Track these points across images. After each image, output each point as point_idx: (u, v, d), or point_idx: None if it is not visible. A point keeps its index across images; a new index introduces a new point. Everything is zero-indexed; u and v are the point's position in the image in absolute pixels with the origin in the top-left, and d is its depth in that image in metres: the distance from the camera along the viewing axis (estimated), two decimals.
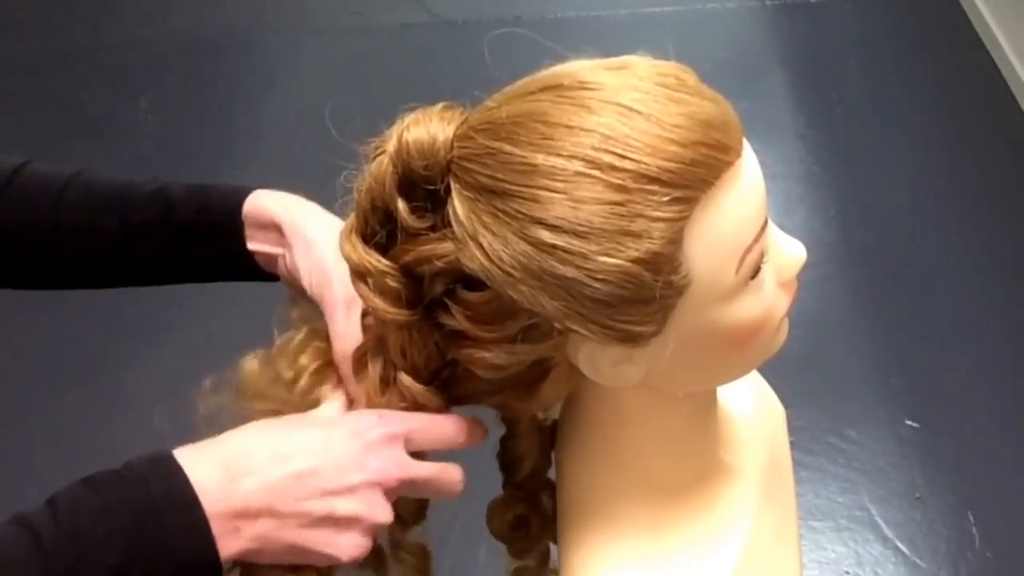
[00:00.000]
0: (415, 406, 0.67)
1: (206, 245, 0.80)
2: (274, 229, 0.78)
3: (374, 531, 0.64)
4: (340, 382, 0.71)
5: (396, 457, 0.64)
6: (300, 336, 0.74)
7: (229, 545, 0.60)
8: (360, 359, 0.69)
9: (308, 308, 0.76)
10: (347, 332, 0.71)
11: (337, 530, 0.62)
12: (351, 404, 0.70)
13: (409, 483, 0.65)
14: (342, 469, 0.62)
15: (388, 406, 0.67)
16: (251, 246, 0.80)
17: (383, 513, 0.64)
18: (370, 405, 0.68)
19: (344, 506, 0.62)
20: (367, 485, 0.63)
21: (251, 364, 0.73)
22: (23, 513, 0.58)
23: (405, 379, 0.66)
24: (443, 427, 0.67)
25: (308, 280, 0.75)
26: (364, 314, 0.70)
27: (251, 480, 0.60)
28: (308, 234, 0.76)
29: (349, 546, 0.63)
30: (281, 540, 0.61)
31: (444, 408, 0.68)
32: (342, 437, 0.64)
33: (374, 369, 0.67)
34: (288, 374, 0.72)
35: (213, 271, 0.83)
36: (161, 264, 0.82)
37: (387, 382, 0.67)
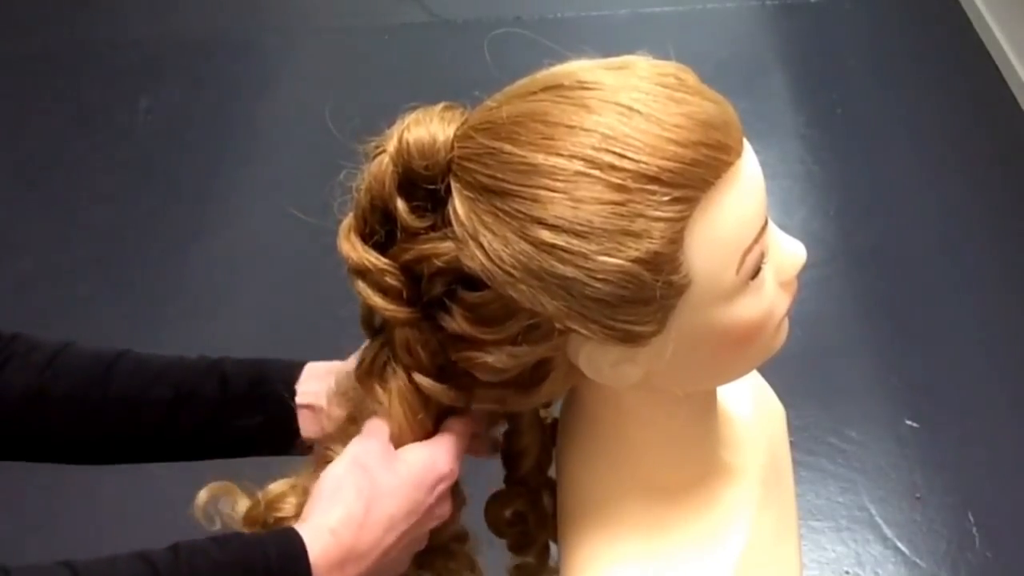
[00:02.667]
0: (435, 406, 0.68)
1: (258, 414, 0.81)
2: (320, 412, 0.79)
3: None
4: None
5: (449, 501, 0.70)
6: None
7: None
8: (368, 373, 0.69)
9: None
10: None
11: (393, 568, 0.69)
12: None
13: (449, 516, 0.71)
14: (416, 533, 0.69)
15: (411, 413, 0.68)
16: (301, 422, 0.80)
17: (422, 544, 0.71)
18: (394, 417, 0.68)
19: (403, 555, 0.69)
20: (427, 531, 0.70)
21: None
22: (148, 551, 0.62)
23: (423, 380, 0.66)
24: (464, 433, 0.71)
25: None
26: None
27: (357, 566, 0.65)
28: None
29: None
30: None
31: (465, 402, 0.68)
32: (425, 493, 0.68)
33: (393, 382, 0.67)
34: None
35: (257, 442, 0.82)
36: (207, 432, 0.81)
37: (402, 391, 0.68)
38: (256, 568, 0.61)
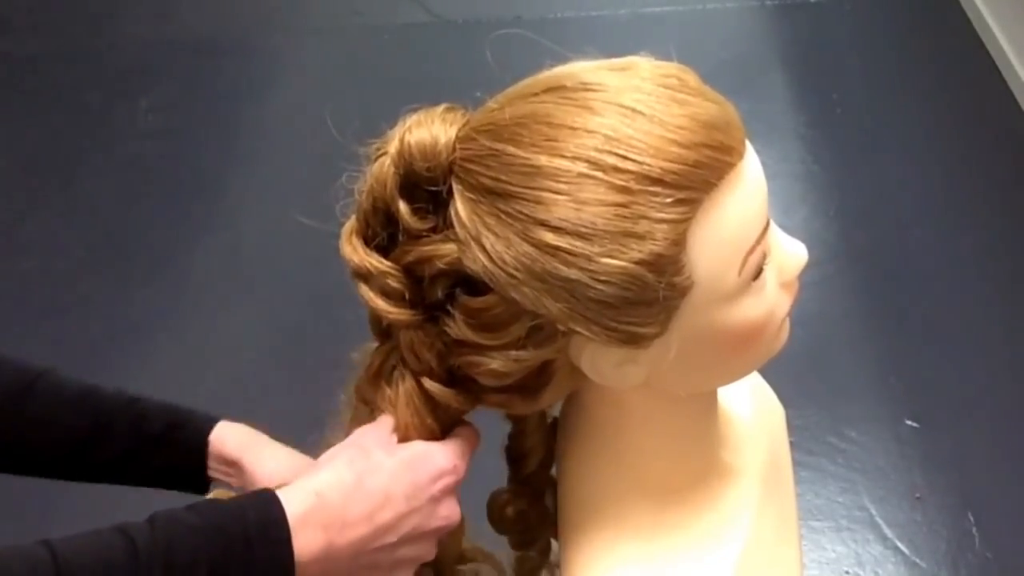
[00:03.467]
0: (443, 412, 0.68)
1: (171, 457, 0.87)
2: (233, 465, 0.85)
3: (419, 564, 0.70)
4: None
5: (455, 503, 0.69)
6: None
7: None
8: (377, 376, 0.69)
9: None
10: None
11: (394, 569, 0.68)
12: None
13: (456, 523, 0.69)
14: (417, 523, 0.66)
15: (418, 417, 0.67)
16: (211, 473, 0.87)
17: (430, 553, 0.69)
18: (401, 420, 0.68)
19: (407, 552, 0.67)
20: (433, 532, 0.68)
21: None
22: (126, 523, 0.61)
23: (432, 385, 0.65)
24: (472, 438, 0.71)
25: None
26: None
27: (344, 534, 0.63)
28: (263, 472, 0.82)
29: None
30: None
31: (472, 405, 0.68)
32: (424, 479, 0.66)
33: (401, 386, 0.67)
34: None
35: (167, 481, 0.88)
36: (120, 465, 0.87)
37: (409, 395, 0.67)
38: (233, 529, 0.60)
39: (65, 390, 0.85)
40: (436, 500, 0.67)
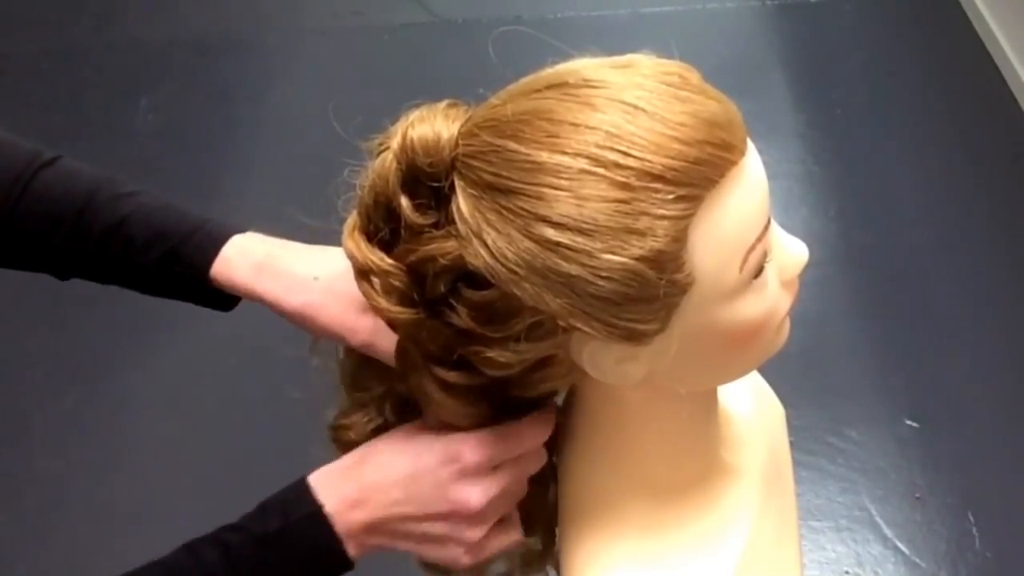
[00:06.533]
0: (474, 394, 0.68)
1: (173, 291, 0.82)
2: (251, 296, 0.79)
3: (476, 548, 0.70)
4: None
5: (480, 486, 0.68)
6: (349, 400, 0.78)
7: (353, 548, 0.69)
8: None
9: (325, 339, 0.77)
10: (366, 332, 0.74)
11: (439, 545, 0.70)
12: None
13: (494, 503, 0.69)
14: (425, 502, 0.68)
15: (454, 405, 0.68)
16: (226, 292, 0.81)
17: (473, 534, 0.69)
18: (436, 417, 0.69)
19: (434, 529, 0.69)
20: (449, 514, 0.68)
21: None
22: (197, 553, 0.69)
23: (439, 371, 0.65)
24: (523, 432, 0.70)
25: (320, 338, 0.78)
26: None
27: (363, 511, 0.68)
28: (291, 306, 0.77)
29: (452, 558, 0.70)
30: (403, 545, 0.71)
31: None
32: (430, 467, 0.68)
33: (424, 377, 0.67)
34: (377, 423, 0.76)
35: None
36: (125, 282, 0.83)
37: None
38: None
39: (59, 196, 0.80)
40: (447, 484, 0.68)
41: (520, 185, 0.55)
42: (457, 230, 0.58)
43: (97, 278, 0.83)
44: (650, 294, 0.56)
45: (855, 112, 2.85)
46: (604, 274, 0.55)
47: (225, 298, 0.81)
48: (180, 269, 0.79)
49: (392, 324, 0.65)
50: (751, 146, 0.58)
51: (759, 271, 0.59)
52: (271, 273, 0.77)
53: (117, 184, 0.82)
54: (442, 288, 0.61)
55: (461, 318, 0.61)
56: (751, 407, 0.79)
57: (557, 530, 0.74)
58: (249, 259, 0.78)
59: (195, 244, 0.79)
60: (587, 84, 0.57)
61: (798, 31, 3.15)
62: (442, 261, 0.59)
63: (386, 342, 0.70)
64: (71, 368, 2.27)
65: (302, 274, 0.77)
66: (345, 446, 0.75)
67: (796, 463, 0.83)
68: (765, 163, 0.59)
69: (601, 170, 0.54)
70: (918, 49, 3.08)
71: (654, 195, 0.54)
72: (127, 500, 1.90)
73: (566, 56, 0.61)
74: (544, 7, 3.19)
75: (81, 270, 0.82)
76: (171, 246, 0.79)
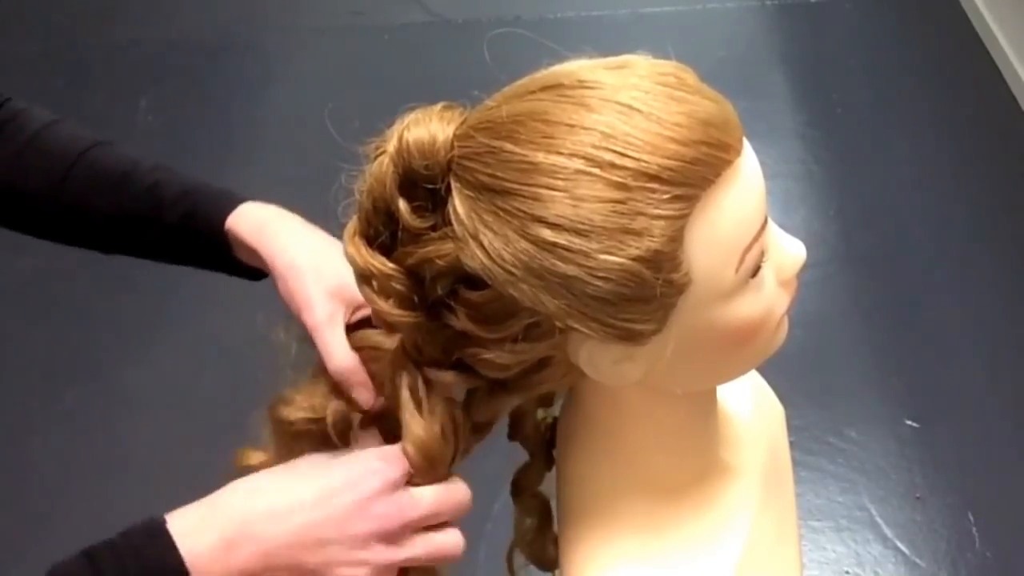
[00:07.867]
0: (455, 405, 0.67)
1: (194, 251, 0.87)
2: (253, 253, 0.82)
3: (384, 573, 0.65)
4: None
5: (398, 501, 0.65)
6: (304, 383, 0.75)
7: None
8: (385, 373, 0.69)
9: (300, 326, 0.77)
10: (335, 350, 0.73)
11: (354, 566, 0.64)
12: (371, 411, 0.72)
13: (417, 521, 0.66)
14: (341, 522, 0.64)
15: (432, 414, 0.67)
16: (239, 257, 0.85)
17: (388, 557, 0.65)
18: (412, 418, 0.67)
19: (343, 555, 0.64)
20: (370, 535, 0.64)
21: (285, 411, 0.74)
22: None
23: (434, 374, 0.65)
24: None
25: (290, 306, 0.79)
26: (348, 329, 0.72)
27: (248, 547, 0.62)
28: (280, 263, 0.79)
29: None
30: None
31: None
32: (340, 487, 0.65)
33: (407, 379, 0.67)
34: (312, 415, 0.73)
35: (205, 265, 0.89)
36: (149, 250, 0.91)
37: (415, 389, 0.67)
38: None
39: (100, 174, 0.89)
40: (365, 502, 0.64)
41: (516, 186, 0.55)
42: (454, 232, 0.58)
43: (132, 245, 0.91)
44: (647, 294, 0.56)
45: (855, 112, 2.85)
46: (601, 274, 0.55)
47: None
48: (197, 226, 0.85)
49: (393, 327, 0.65)
50: (747, 146, 0.58)
51: (756, 271, 0.59)
52: (273, 230, 0.82)
53: (160, 162, 0.91)
54: (440, 290, 0.61)
55: (460, 320, 0.61)
56: (751, 407, 0.79)
57: (556, 529, 0.74)
58: (258, 215, 0.84)
59: (213, 199, 0.86)
60: (582, 85, 0.57)
61: (798, 31, 3.16)
62: (440, 263, 0.59)
63: (330, 341, 0.72)
64: (71, 368, 2.27)
65: (301, 239, 0.80)
66: (277, 423, 0.74)
67: (796, 463, 0.83)
68: (764, 163, 0.59)
69: (597, 170, 0.54)
70: (918, 49, 3.08)
71: (650, 195, 0.54)
72: (127, 500, 1.90)
73: (563, 58, 0.61)
74: (544, 7, 3.19)
75: (117, 236, 0.90)
76: (193, 201, 0.86)
